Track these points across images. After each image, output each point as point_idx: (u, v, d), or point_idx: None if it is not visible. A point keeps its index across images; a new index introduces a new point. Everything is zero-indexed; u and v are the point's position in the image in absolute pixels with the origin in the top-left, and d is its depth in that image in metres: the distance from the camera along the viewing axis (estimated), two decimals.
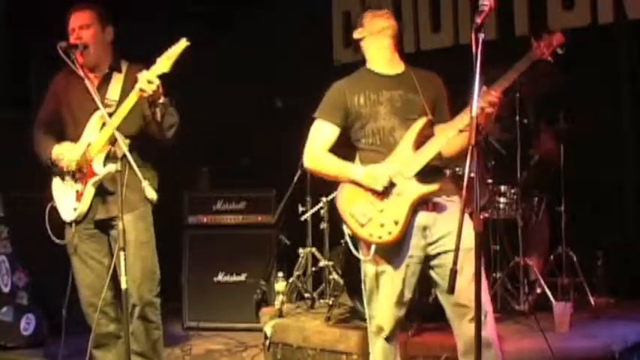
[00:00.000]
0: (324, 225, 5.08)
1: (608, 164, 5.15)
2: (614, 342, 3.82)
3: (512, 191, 4.70)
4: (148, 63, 3.48)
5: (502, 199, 4.72)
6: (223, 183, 6.13)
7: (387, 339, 3.16)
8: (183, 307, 5.65)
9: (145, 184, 3.19)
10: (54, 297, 5.65)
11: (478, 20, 2.50)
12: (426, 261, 3.08)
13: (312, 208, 5.16)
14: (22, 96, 6.16)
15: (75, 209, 3.64)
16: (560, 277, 4.74)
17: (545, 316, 4.12)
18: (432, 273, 3.09)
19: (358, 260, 3.96)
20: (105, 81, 3.70)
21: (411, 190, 2.98)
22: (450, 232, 2.96)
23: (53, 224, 3.70)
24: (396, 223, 2.97)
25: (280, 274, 5.05)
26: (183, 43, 3.43)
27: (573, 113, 4.84)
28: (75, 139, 3.65)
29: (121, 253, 3.20)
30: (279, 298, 4.84)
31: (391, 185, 3.00)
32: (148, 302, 3.68)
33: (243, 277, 5.62)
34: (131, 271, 3.47)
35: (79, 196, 3.63)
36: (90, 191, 3.60)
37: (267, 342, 4.67)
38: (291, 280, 5.03)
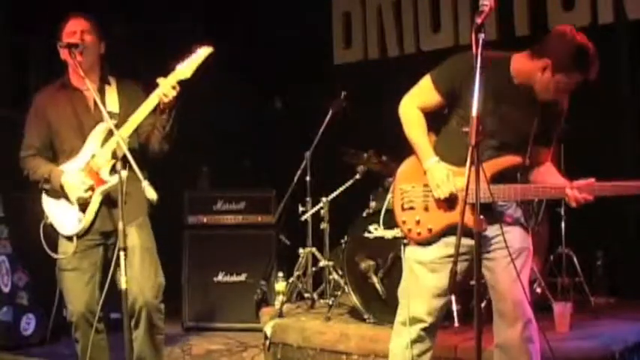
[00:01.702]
0: (324, 225, 5.09)
1: (608, 164, 5.14)
2: (614, 342, 3.82)
3: None
4: (135, 78, 3.49)
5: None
6: (223, 183, 6.13)
7: (426, 330, 3.03)
8: (183, 307, 5.65)
9: (145, 184, 3.18)
10: (54, 297, 5.66)
11: (478, 20, 2.49)
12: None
13: (312, 208, 5.16)
14: (22, 96, 6.16)
15: (80, 220, 3.58)
16: (560, 277, 4.75)
17: (545, 316, 4.12)
18: (484, 269, 2.97)
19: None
20: (99, 93, 3.65)
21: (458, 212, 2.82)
22: (504, 231, 2.86)
23: (47, 239, 3.63)
24: (430, 230, 2.95)
25: (280, 274, 5.04)
26: (207, 50, 3.44)
27: (573, 113, 4.84)
28: (71, 151, 3.63)
29: (122, 254, 3.19)
30: (279, 298, 4.84)
31: (451, 195, 2.89)
32: (154, 308, 3.67)
33: (243, 277, 5.63)
34: (138, 277, 3.53)
35: (83, 207, 3.57)
36: (97, 200, 3.57)
37: (267, 342, 4.67)
38: (291, 280, 5.03)
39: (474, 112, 2.44)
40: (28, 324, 5.25)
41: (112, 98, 3.70)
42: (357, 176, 5.02)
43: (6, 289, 5.20)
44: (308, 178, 5.17)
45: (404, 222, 3.00)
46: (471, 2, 5.75)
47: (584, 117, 4.93)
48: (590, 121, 5.02)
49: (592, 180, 2.84)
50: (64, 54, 3.56)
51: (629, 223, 5.20)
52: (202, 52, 3.45)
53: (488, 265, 2.97)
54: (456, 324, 4.11)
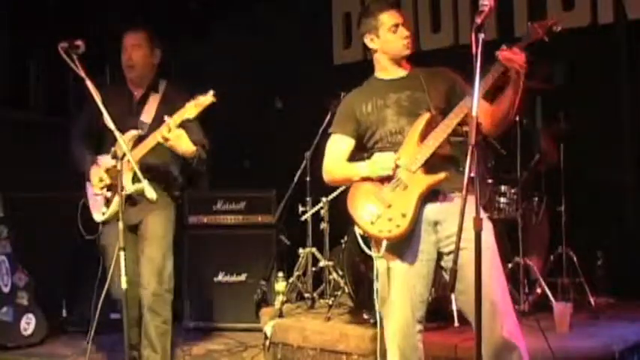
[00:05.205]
0: (324, 225, 5.09)
1: (608, 164, 5.15)
2: (614, 342, 3.82)
3: (512, 191, 4.70)
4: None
5: (502, 199, 4.73)
6: (223, 183, 6.13)
7: (405, 342, 3.06)
8: (184, 307, 5.65)
9: (145, 183, 3.24)
10: (54, 297, 5.66)
11: (478, 20, 2.49)
12: (439, 259, 3.05)
13: (312, 208, 5.16)
14: (22, 96, 6.17)
15: (103, 213, 3.89)
16: (560, 277, 4.75)
17: (545, 316, 4.12)
18: (444, 273, 3.06)
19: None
20: (141, 102, 3.97)
21: (417, 181, 2.98)
22: (464, 228, 2.85)
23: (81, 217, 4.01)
24: (404, 215, 2.95)
25: (280, 274, 5.05)
26: (210, 98, 3.68)
27: (573, 113, 4.84)
28: (111, 145, 3.78)
29: (122, 253, 3.24)
30: (279, 298, 4.84)
31: (398, 180, 2.99)
32: (155, 293, 3.98)
33: (243, 277, 5.62)
34: (143, 262, 3.95)
35: (107, 202, 3.87)
36: (117, 201, 3.74)
37: (267, 342, 4.67)
38: (291, 280, 5.03)
39: (474, 111, 2.44)
40: (28, 324, 5.24)
41: (151, 108, 3.98)
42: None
43: (6, 289, 5.20)
44: (308, 178, 5.17)
45: (380, 231, 3.00)
46: (470, 2, 5.75)
47: (584, 117, 4.96)
48: (590, 121, 5.04)
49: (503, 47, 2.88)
50: (63, 53, 3.57)
51: (628, 223, 5.20)
52: (206, 98, 3.69)
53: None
54: (456, 324, 4.11)
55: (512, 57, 2.84)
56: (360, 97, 3.22)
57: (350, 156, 3.23)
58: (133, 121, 3.90)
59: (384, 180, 3.03)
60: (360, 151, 3.26)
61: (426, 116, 3.04)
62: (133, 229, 4.01)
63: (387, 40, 3.14)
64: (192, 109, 3.66)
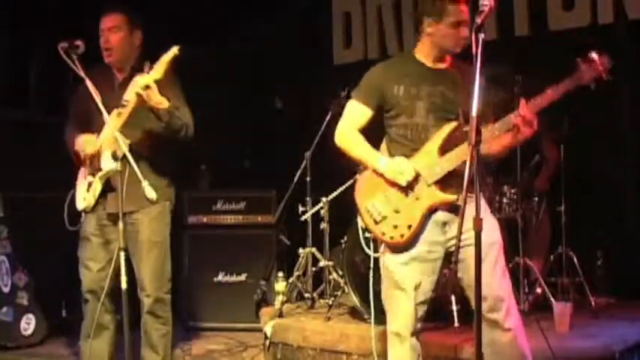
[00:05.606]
0: (324, 225, 5.09)
1: (608, 164, 5.15)
2: (614, 342, 3.82)
3: (513, 191, 4.70)
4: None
5: (502, 199, 4.73)
6: (223, 183, 6.13)
7: (409, 340, 3.09)
8: (183, 307, 5.65)
9: (145, 184, 3.25)
10: (54, 297, 5.66)
11: (478, 20, 2.49)
12: (447, 258, 3.06)
13: (312, 208, 5.16)
14: (22, 96, 6.17)
15: (84, 199, 3.80)
16: (560, 277, 4.75)
17: (545, 316, 4.12)
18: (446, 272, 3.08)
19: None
20: (125, 82, 3.81)
21: (430, 196, 2.98)
22: (471, 227, 2.87)
23: (72, 210, 3.90)
24: (409, 227, 2.98)
25: (280, 274, 5.05)
26: (173, 51, 3.52)
27: (573, 114, 4.84)
28: (100, 126, 3.74)
29: (122, 254, 3.23)
30: (279, 298, 4.84)
31: (411, 187, 2.98)
32: (156, 298, 3.88)
33: (243, 277, 5.62)
34: (142, 268, 3.79)
35: (88, 187, 3.78)
36: (97, 184, 3.75)
37: (267, 342, 4.67)
38: (291, 280, 5.03)
39: (474, 112, 2.43)
40: (28, 324, 5.24)
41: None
42: (357, 176, 5.01)
43: (6, 289, 5.20)
44: (308, 178, 5.17)
45: (383, 233, 3.02)
46: (470, 2, 5.74)
47: (584, 117, 4.96)
48: (590, 121, 5.03)
49: (522, 101, 2.89)
50: (63, 53, 3.57)
51: (628, 223, 5.20)
52: (169, 54, 3.52)
53: (460, 267, 2.99)
54: (456, 324, 4.11)
55: (527, 126, 2.86)
56: (392, 74, 3.10)
57: (367, 123, 3.16)
58: (116, 102, 3.72)
59: (396, 184, 3.01)
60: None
61: (451, 125, 3.01)
62: (115, 221, 3.69)
63: (445, 33, 3.00)
64: (158, 67, 3.53)
